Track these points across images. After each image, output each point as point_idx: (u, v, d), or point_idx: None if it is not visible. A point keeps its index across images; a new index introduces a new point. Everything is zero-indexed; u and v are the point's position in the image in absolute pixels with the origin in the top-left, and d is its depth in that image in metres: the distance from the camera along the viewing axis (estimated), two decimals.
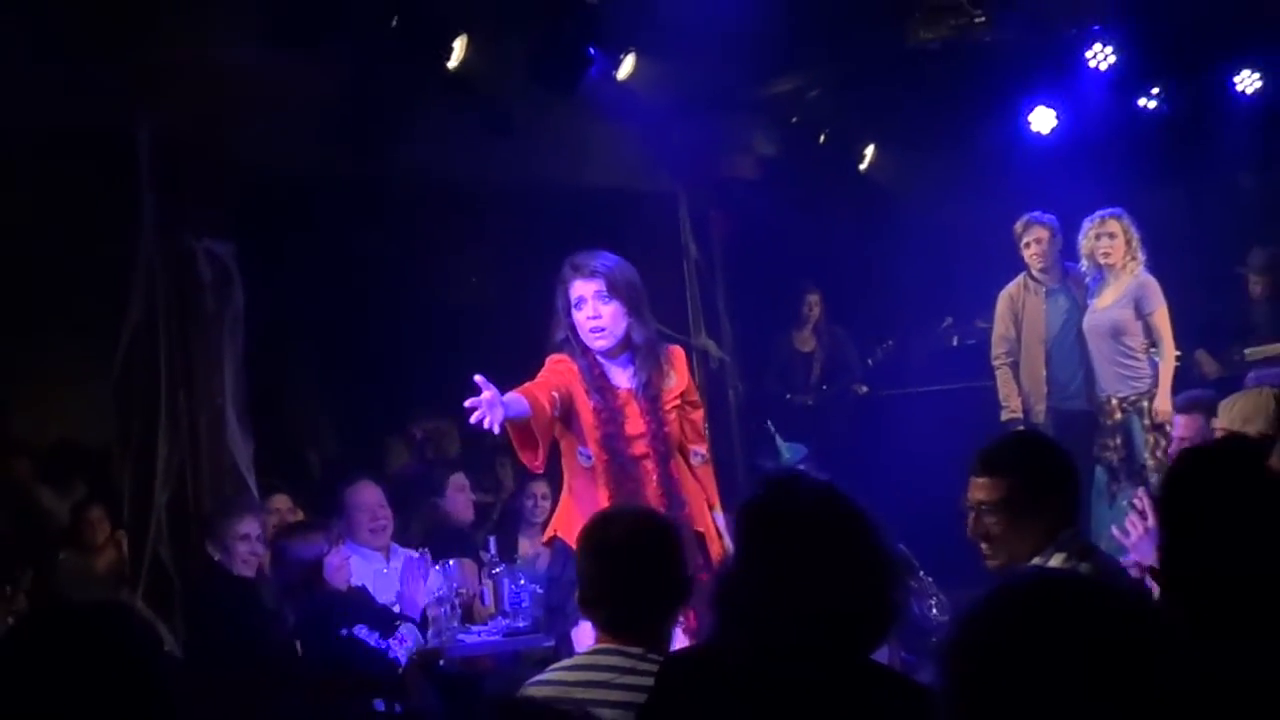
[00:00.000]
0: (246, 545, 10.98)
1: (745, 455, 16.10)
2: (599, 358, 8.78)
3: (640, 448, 8.74)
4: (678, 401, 8.92)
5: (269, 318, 12.66)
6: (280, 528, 11.78)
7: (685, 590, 5.81)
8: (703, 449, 9.10)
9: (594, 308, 8.63)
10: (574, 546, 7.32)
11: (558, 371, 8.75)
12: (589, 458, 8.76)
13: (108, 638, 3.85)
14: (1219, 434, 9.37)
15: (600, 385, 8.73)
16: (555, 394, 8.60)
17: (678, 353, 9.15)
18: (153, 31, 11.08)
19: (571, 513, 8.79)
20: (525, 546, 12.50)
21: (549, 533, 9.12)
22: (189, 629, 10.96)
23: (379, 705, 10.24)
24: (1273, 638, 4.10)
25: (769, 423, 14.89)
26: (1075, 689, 2.65)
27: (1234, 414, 9.44)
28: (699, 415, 9.16)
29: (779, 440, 14.11)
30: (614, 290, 8.65)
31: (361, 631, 10.19)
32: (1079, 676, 2.67)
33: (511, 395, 8.41)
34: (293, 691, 10.39)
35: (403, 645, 10.11)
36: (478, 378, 8.25)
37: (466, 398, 7.94)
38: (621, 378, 8.80)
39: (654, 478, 8.76)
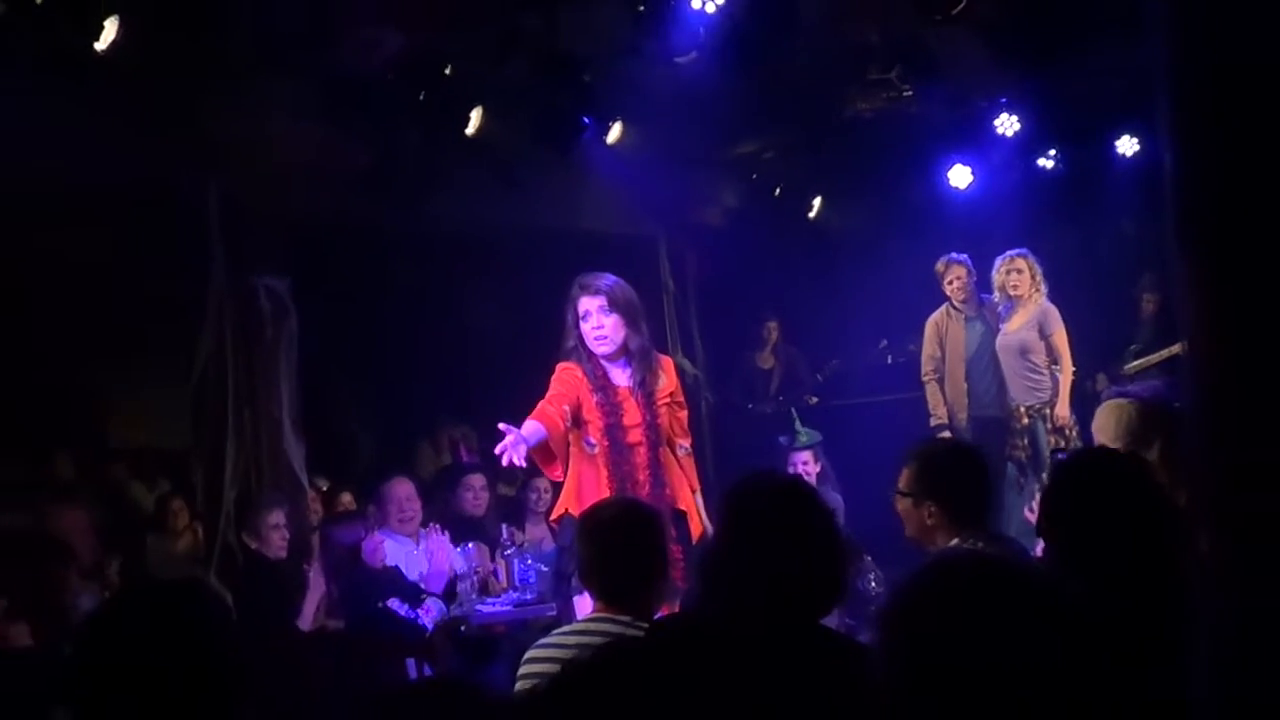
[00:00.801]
0: (278, 533, 11.06)
1: (715, 456, 16.10)
2: (602, 361, 8.90)
3: (636, 436, 8.86)
4: (667, 400, 9.04)
5: (318, 342, 12.66)
6: (325, 517, 11.85)
7: (665, 568, 5.84)
8: (687, 443, 9.23)
9: (598, 319, 8.81)
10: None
11: (565, 381, 8.89)
12: (593, 445, 8.87)
13: (187, 608, 3.89)
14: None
15: (603, 384, 8.87)
16: (566, 407, 8.78)
17: (667, 360, 9.32)
18: (222, 108, 11.10)
19: (578, 492, 8.92)
20: (531, 532, 12.49)
21: (558, 510, 9.24)
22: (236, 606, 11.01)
23: (410, 668, 10.25)
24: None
25: (793, 410, 14.94)
26: (981, 644, 2.70)
27: (1098, 427, 9.48)
28: (684, 414, 9.28)
29: (799, 424, 14.12)
30: (614, 305, 8.83)
31: (394, 604, 10.22)
32: (984, 634, 2.71)
33: (529, 425, 8.61)
34: (334, 653, 10.42)
35: (429, 615, 10.15)
36: (501, 425, 8.47)
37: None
38: (621, 378, 8.92)
39: (645, 463, 8.87)
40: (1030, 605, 2.80)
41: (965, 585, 2.87)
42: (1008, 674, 2.70)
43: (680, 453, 9.15)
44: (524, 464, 8.66)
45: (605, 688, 3.54)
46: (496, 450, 8.52)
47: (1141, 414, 9.21)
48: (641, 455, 8.88)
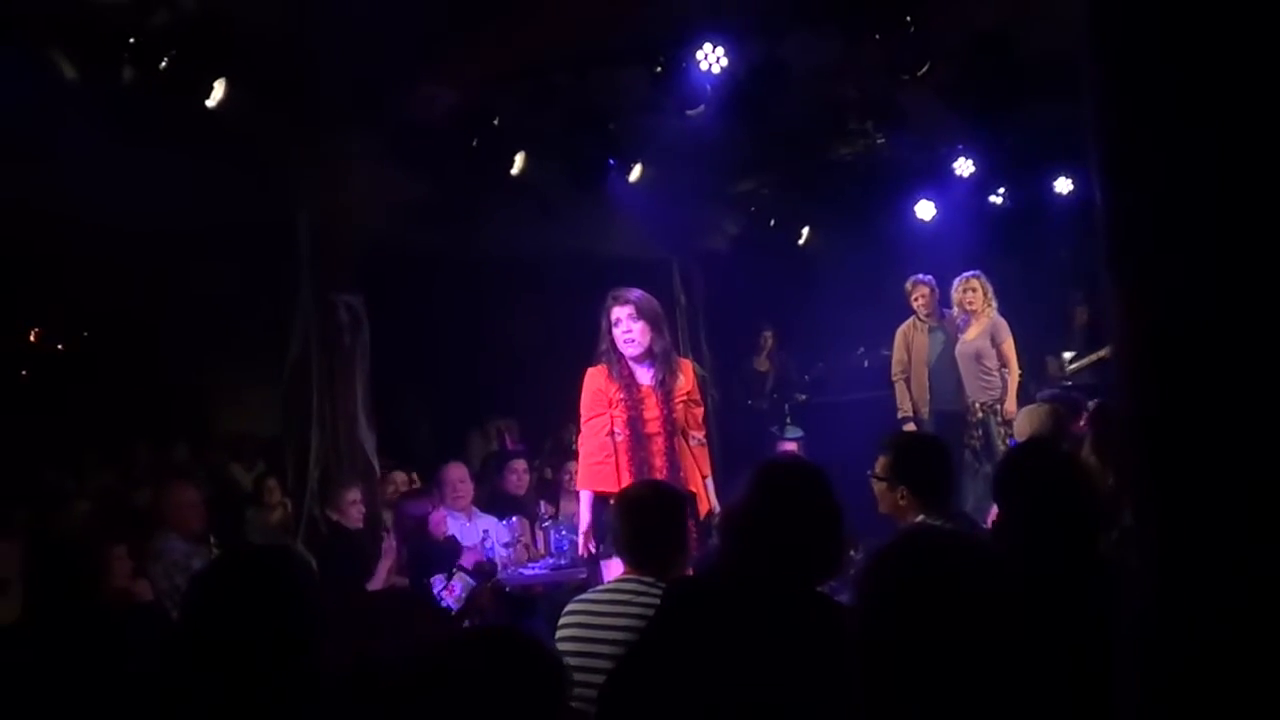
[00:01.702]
0: (355, 508, 11.09)
1: (720, 444, 16.10)
2: (629, 362, 8.85)
3: (654, 428, 8.81)
4: (684, 397, 8.97)
5: (387, 349, 12.68)
6: (400, 493, 11.87)
7: (686, 540, 5.85)
8: (700, 434, 9.14)
9: (627, 325, 8.76)
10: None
11: (593, 393, 8.93)
12: (618, 435, 8.83)
13: (279, 572, 3.92)
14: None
15: (628, 383, 8.82)
16: (611, 436, 8.86)
17: (687, 363, 9.26)
18: (308, 154, 11.16)
19: (602, 472, 8.93)
20: (565, 507, 12.50)
21: (580, 484, 9.20)
22: (322, 567, 11.05)
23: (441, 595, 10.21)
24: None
25: (787, 407, 14.99)
26: (939, 604, 2.73)
27: (1019, 427, 9.50)
28: (699, 411, 9.19)
29: (789, 420, 14.20)
30: (641, 313, 8.79)
31: (436, 581, 10.21)
32: (941, 595, 2.74)
33: (586, 499, 8.97)
34: (399, 607, 10.45)
35: (452, 595, 10.10)
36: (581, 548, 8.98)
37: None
38: (645, 377, 8.86)
39: (662, 450, 8.84)
40: (976, 570, 2.84)
41: (925, 554, 2.91)
42: (958, 625, 2.73)
43: (693, 443, 9.09)
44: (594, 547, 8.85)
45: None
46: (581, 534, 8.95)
47: (1053, 415, 9.29)
48: (659, 444, 8.84)
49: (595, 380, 8.92)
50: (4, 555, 8.93)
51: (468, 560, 10.25)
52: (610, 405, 8.84)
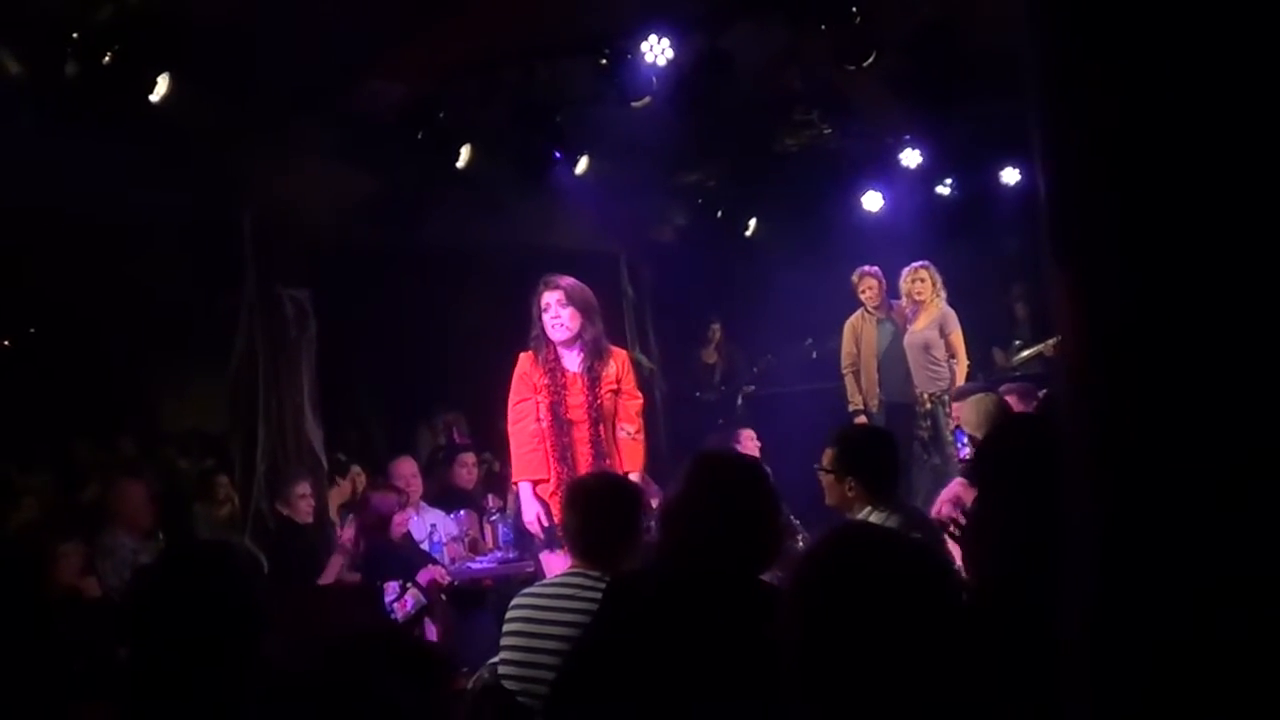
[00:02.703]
0: (305, 502, 11.09)
1: (668, 436, 16.12)
2: (558, 348, 8.91)
3: (578, 415, 8.87)
4: (614, 385, 8.98)
5: (333, 342, 12.66)
6: (370, 485, 11.83)
7: (635, 533, 5.82)
8: (632, 428, 9.07)
9: (556, 311, 8.83)
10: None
11: (520, 379, 9.03)
12: (542, 421, 8.89)
13: (222, 566, 3.92)
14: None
15: (553, 368, 8.89)
16: (536, 423, 8.94)
17: (620, 353, 9.26)
18: (253, 148, 11.15)
19: (527, 461, 9.03)
20: (512, 501, 12.51)
21: (514, 476, 9.27)
22: (270, 560, 11.03)
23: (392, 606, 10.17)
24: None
25: (739, 398, 15.08)
26: (869, 595, 2.76)
27: (965, 417, 9.55)
28: (632, 404, 9.12)
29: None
30: (570, 299, 8.85)
31: (390, 588, 10.14)
32: (872, 586, 2.77)
33: (525, 491, 9.01)
34: (348, 603, 10.43)
35: (403, 609, 10.05)
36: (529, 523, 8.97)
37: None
38: (572, 363, 8.92)
39: (587, 439, 8.90)
40: (903, 568, 2.86)
41: (853, 550, 2.93)
42: (884, 618, 2.76)
43: (622, 434, 9.06)
44: (548, 522, 8.83)
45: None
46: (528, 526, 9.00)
47: (998, 404, 9.34)
48: (583, 432, 8.89)
49: (522, 365, 9.02)
50: None
51: (424, 577, 10.19)
52: (535, 391, 8.91)
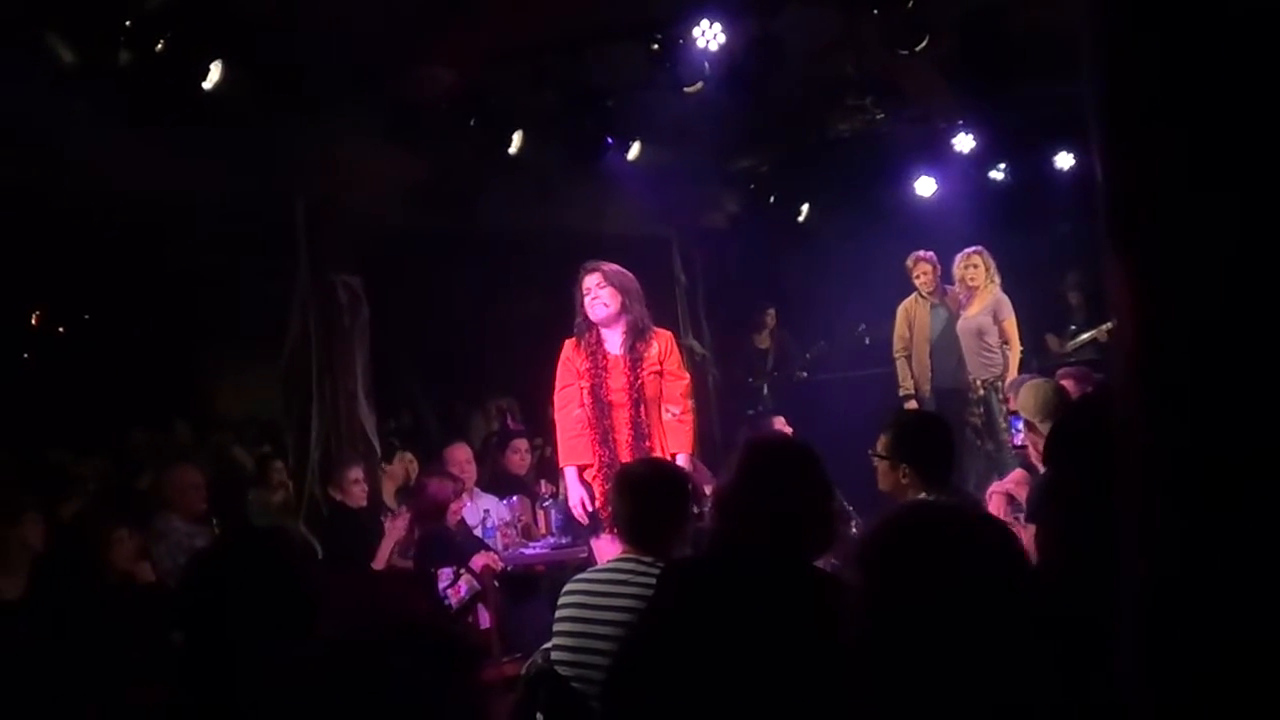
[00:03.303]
0: (358, 487, 11.13)
1: (720, 422, 16.13)
2: (600, 330, 8.96)
3: (619, 397, 8.90)
4: (657, 366, 8.99)
5: (386, 328, 12.69)
6: (424, 471, 11.86)
7: (685, 519, 5.81)
8: (676, 409, 9.05)
9: (594, 292, 8.91)
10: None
11: (564, 368, 9.12)
12: (581, 406, 8.94)
13: (279, 552, 3.93)
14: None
15: (594, 351, 8.95)
16: (580, 408, 9.00)
17: (663, 333, 9.23)
18: (306, 134, 11.14)
19: (571, 445, 9.12)
20: (564, 486, 12.53)
21: (560, 461, 9.36)
22: (324, 545, 11.07)
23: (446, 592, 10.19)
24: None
25: (764, 387, 15.05)
26: (933, 575, 2.73)
27: (1022, 402, 9.51)
28: (677, 385, 9.09)
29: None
30: (609, 280, 8.94)
31: (444, 573, 10.16)
32: (936, 566, 2.74)
33: (571, 476, 9.11)
34: (401, 586, 10.46)
35: (457, 595, 10.07)
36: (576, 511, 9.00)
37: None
38: (614, 345, 8.95)
39: (628, 421, 8.92)
40: (972, 543, 2.83)
41: (926, 526, 2.90)
42: (956, 595, 2.73)
43: (667, 416, 9.06)
44: (592, 506, 8.92)
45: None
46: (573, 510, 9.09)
47: (1056, 389, 9.31)
48: (624, 414, 8.92)
49: (566, 351, 9.09)
50: (10, 536, 8.99)
51: (477, 563, 10.21)
52: (578, 376, 8.95)
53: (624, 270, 9.08)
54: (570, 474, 9.02)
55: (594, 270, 8.97)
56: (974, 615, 2.73)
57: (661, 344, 9.08)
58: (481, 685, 3.75)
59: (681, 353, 9.53)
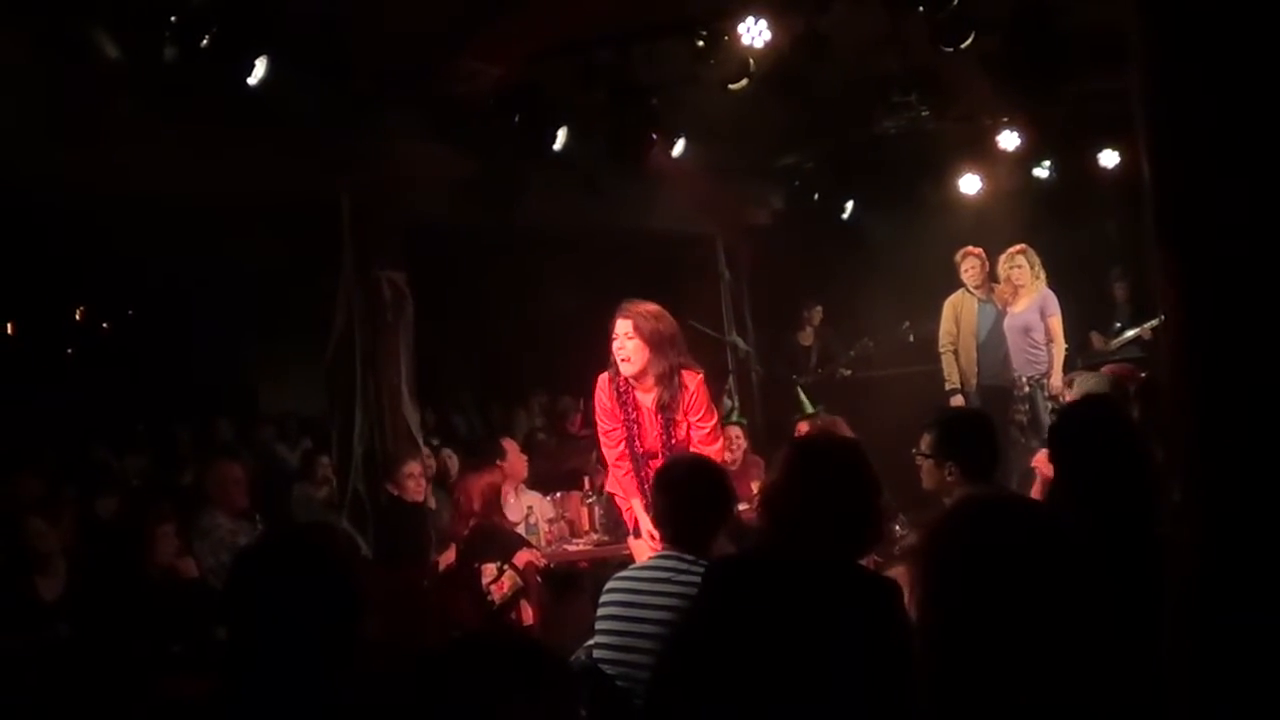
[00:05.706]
0: (413, 481, 11.13)
1: (764, 416, 16.15)
2: (629, 379, 8.60)
3: (653, 448, 8.60)
4: (686, 422, 8.66)
5: (431, 325, 12.72)
6: (469, 466, 11.84)
7: (723, 517, 5.82)
8: (708, 448, 8.61)
9: (622, 342, 8.45)
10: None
11: (601, 409, 8.81)
12: (620, 447, 8.76)
13: (325, 549, 3.94)
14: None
15: (625, 400, 8.63)
16: (623, 446, 8.78)
17: (692, 376, 8.72)
18: (351, 130, 11.17)
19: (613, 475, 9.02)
20: (609, 484, 12.53)
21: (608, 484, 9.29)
22: (378, 540, 11.11)
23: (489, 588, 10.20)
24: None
25: (799, 388, 14.97)
26: (993, 566, 2.74)
27: (1077, 396, 9.48)
28: (708, 421, 8.71)
29: (803, 396, 14.14)
30: (639, 331, 8.43)
31: (488, 571, 10.14)
32: (994, 557, 2.75)
33: (639, 509, 8.74)
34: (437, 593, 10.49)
35: (500, 590, 10.06)
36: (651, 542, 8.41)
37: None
38: (645, 398, 8.61)
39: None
40: (1038, 534, 2.84)
41: (990, 520, 2.92)
42: (1022, 588, 2.74)
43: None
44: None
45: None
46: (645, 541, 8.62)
47: (1111, 383, 9.27)
48: (655, 465, 8.41)
49: (600, 390, 8.76)
50: (50, 533, 9.04)
51: (520, 559, 10.20)
52: (614, 419, 8.69)
53: (658, 314, 8.60)
54: (636, 505, 8.85)
55: (627, 315, 8.51)
56: (1043, 605, 2.75)
57: (690, 390, 8.68)
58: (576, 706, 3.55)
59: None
